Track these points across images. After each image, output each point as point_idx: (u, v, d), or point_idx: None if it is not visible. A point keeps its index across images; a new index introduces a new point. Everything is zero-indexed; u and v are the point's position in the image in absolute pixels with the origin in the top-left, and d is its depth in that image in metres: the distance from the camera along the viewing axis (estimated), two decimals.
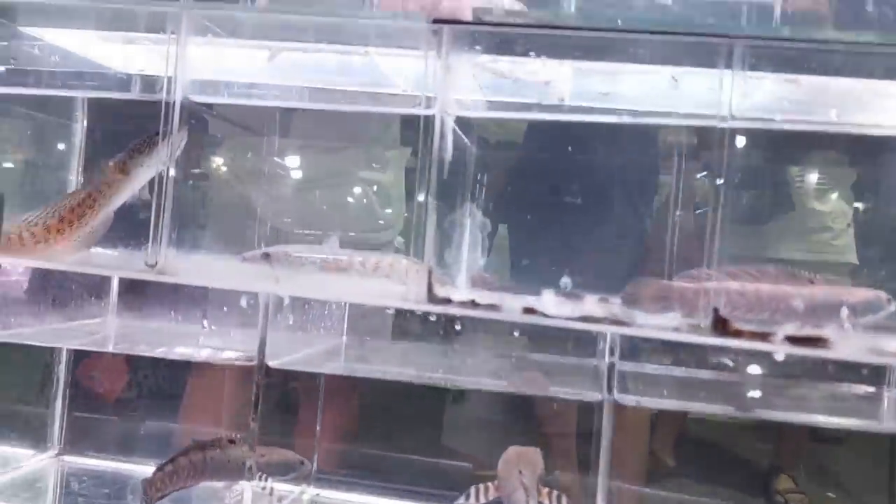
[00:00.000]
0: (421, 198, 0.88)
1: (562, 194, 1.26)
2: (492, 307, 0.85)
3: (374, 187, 1.54)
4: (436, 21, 0.86)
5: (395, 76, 1.16)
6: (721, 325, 0.82)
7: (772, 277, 1.02)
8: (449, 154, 0.93)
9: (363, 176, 1.54)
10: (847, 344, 0.80)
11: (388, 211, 1.54)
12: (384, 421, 1.45)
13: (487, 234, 1.13)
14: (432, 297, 0.85)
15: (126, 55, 1.24)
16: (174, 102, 0.93)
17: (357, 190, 1.52)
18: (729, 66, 0.89)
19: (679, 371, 1.17)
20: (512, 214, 1.38)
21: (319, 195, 1.48)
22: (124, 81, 1.28)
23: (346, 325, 1.27)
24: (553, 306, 1.05)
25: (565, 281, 1.01)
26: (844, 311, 0.98)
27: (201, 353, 1.13)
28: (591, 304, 1.09)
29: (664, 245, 1.05)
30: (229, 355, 1.11)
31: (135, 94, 1.11)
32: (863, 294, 1.01)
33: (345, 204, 1.50)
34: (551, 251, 1.26)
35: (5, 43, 1.14)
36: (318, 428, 1.26)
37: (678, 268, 0.97)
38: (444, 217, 1.03)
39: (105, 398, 1.57)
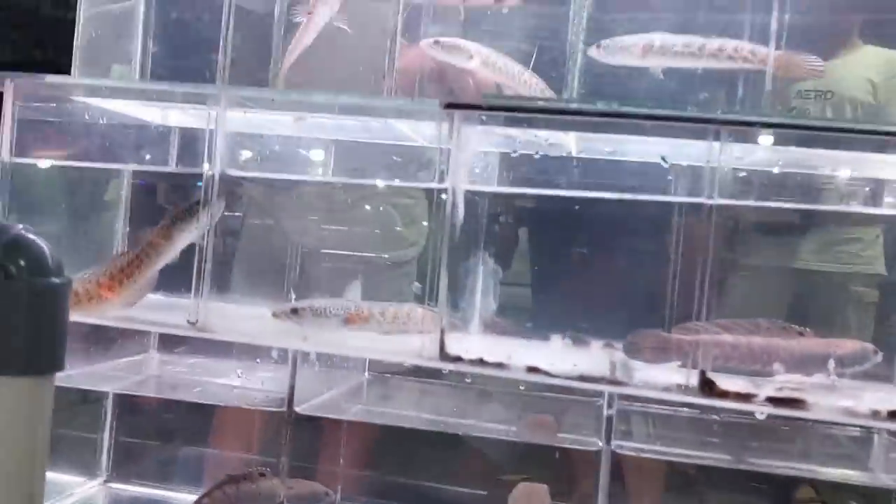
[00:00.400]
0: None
1: (571, 237, 1.34)
2: (499, 366, 0.93)
3: (398, 209, 1.63)
4: (448, 106, 0.95)
5: (411, 133, 1.26)
6: (708, 387, 0.90)
7: (763, 330, 1.09)
8: (461, 220, 1.02)
9: (387, 198, 1.63)
10: (824, 405, 0.87)
11: (412, 230, 1.62)
12: (403, 444, 1.53)
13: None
14: (444, 356, 0.94)
15: (165, 115, 1.35)
16: (214, 175, 1.03)
17: (382, 211, 1.61)
18: (718, 138, 0.96)
19: (685, 410, 1.24)
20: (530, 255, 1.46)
21: (347, 217, 1.57)
22: (164, 135, 1.39)
23: (367, 362, 1.36)
24: (559, 353, 1.14)
25: (567, 341, 1.09)
26: (832, 363, 1.05)
27: (233, 397, 1.23)
28: (597, 351, 1.17)
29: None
30: (258, 397, 1.21)
31: (175, 166, 1.21)
32: (850, 346, 1.07)
33: (371, 225, 1.59)
34: (562, 289, 1.34)
35: (53, 105, 1.25)
36: (341, 459, 1.36)
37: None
38: (458, 265, 1.12)
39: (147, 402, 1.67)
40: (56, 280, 0.76)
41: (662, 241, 1.22)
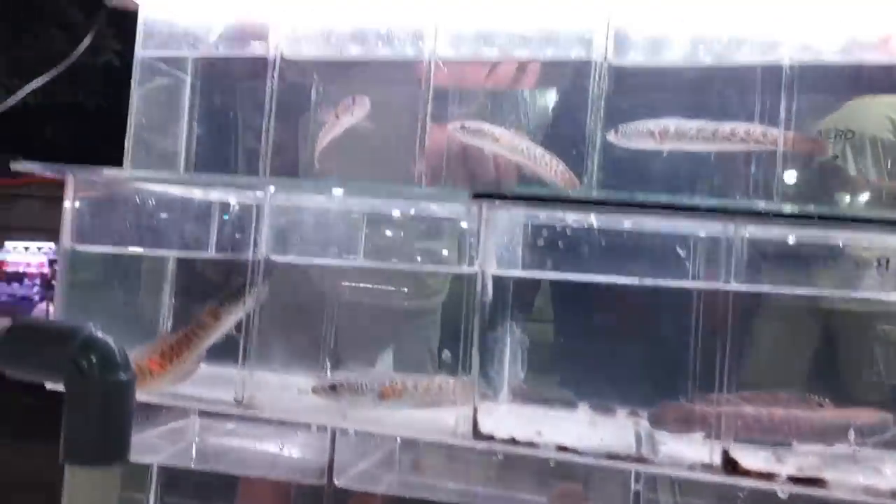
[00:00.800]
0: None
1: (596, 307, 1.39)
2: (530, 445, 0.98)
3: (422, 257, 1.69)
4: (476, 195, 1.02)
5: (437, 208, 1.33)
6: (731, 465, 0.94)
7: (784, 401, 1.13)
8: (489, 299, 1.08)
9: (412, 248, 1.69)
10: (845, 483, 0.90)
11: (435, 279, 1.68)
12: None
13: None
14: (477, 434, 0.99)
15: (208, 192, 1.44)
16: (260, 261, 1.11)
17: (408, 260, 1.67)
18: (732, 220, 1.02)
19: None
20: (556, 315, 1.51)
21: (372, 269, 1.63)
22: (206, 208, 1.48)
23: None
24: (586, 424, 1.18)
25: (591, 415, 1.14)
26: (852, 434, 1.08)
27: (273, 467, 1.29)
28: (622, 420, 1.21)
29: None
30: (296, 466, 1.26)
31: (218, 253, 1.29)
32: (869, 416, 1.11)
33: (396, 274, 1.64)
34: (587, 358, 1.39)
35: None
36: None
37: None
38: (487, 336, 1.17)
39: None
40: (123, 376, 0.83)
41: (684, 313, 1.27)
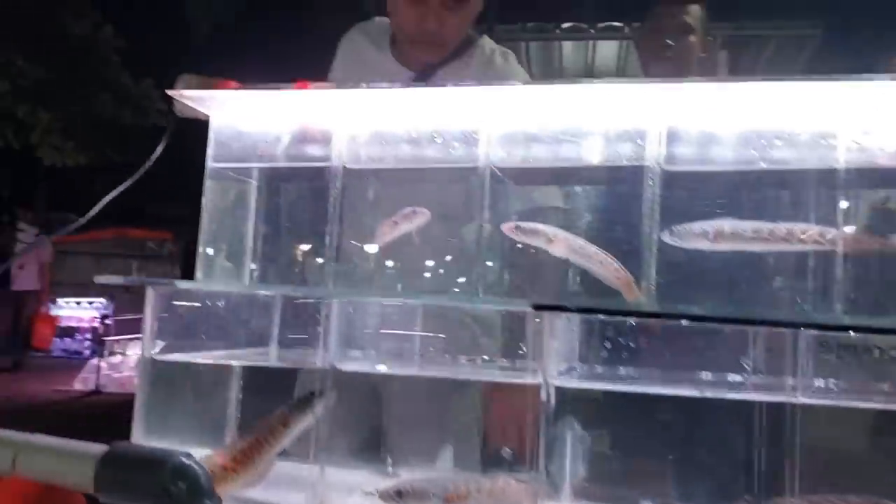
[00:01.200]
0: None
1: (660, 398, 1.38)
2: None
3: (477, 320, 1.71)
4: (535, 307, 1.05)
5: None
6: None
7: None
8: (553, 407, 1.10)
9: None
10: None
11: (489, 342, 1.69)
12: None
13: None
14: None
15: None
16: (327, 369, 1.15)
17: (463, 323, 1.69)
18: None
19: None
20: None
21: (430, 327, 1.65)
22: (269, 303, 1.54)
23: None
24: None
25: None
26: None
27: None
28: None
29: None
30: None
31: (286, 363, 1.35)
32: None
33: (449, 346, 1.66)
34: (649, 455, 1.38)
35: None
36: None
37: None
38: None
39: None
40: (209, 503, 0.87)
41: (748, 412, 1.26)
